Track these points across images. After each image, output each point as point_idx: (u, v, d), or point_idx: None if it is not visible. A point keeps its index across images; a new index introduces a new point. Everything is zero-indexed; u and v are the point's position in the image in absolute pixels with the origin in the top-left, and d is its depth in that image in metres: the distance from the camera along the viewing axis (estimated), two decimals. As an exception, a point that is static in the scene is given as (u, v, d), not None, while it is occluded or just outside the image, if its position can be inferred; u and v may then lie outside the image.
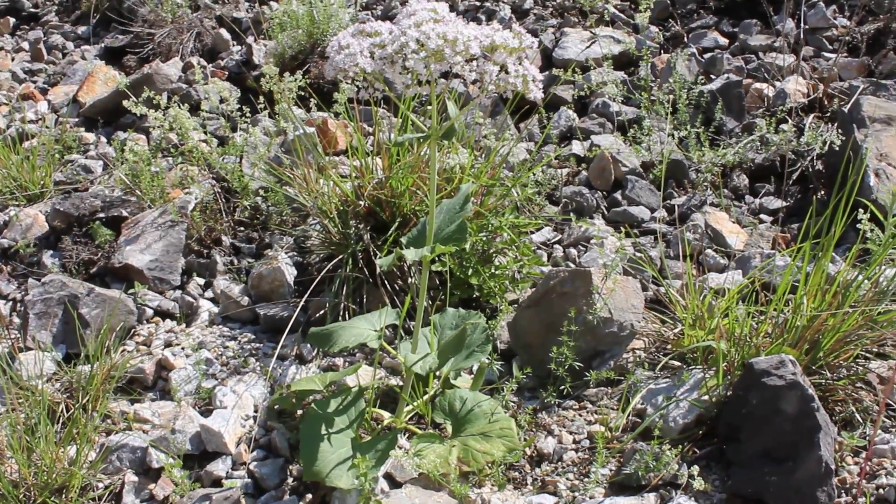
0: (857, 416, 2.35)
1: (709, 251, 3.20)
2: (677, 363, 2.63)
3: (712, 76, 4.37)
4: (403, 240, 2.29)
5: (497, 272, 2.93)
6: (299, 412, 2.53)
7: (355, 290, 2.98)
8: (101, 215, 3.52)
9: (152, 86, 4.51)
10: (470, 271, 2.87)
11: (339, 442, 2.22)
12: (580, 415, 2.56)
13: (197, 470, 2.40)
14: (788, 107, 3.90)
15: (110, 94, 4.60)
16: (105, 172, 4.15)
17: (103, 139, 4.59)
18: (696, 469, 2.18)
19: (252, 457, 2.43)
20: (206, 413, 2.62)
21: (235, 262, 3.43)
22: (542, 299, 2.68)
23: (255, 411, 2.62)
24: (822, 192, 3.54)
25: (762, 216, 3.55)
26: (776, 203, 3.58)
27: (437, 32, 1.82)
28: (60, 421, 2.59)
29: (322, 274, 2.93)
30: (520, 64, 1.92)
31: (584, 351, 2.60)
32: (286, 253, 3.28)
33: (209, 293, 3.28)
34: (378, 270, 2.93)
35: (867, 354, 2.51)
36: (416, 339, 2.33)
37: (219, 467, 2.37)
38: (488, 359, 2.54)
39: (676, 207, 3.54)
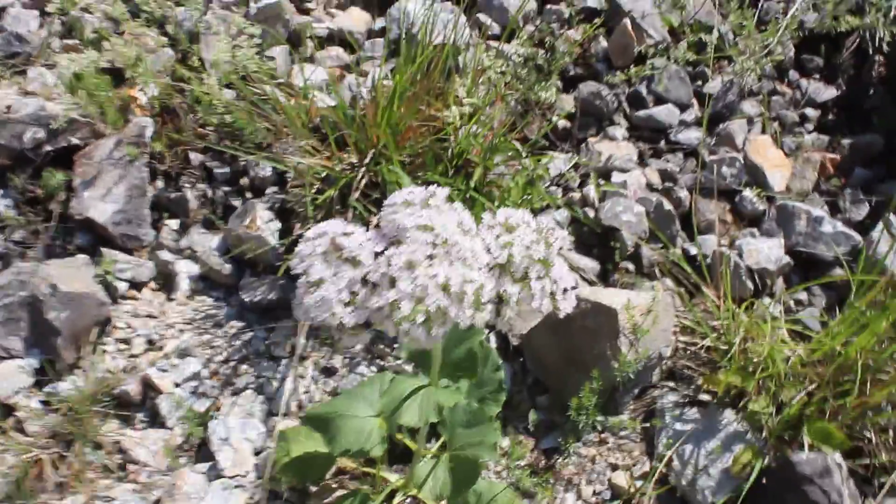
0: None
1: (746, 194, 2.80)
2: (707, 397, 2.41)
3: None
4: (402, 353, 1.98)
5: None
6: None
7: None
8: (49, 148, 3.04)
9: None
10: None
11: (348, 559, 2.10)
12: (602, 454, 2.41)
13: (202, 557, 2.32)
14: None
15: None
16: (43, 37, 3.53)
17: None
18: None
19: (259, 539, 2.32)
20: (203, 457, 2.48)
21: (209, 192, 3.04)
22: (560, 326, 2.39)
23: (257, 453, 2.47)
24: (882, 78, 3.03)
25: (807, 111, 3.07)
26: (826, 93, 3.08)
27: (437, 282, 1.38)
28: (51, 472, 2.46)
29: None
30: (546, 275, 1.49)
31: (608, 380, 2.37)
32: (264, 202, 2.88)
33: (185, 241, 2.94)
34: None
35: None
36: (421, 444, 2.11)
37: (224, 559, 2.28)
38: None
39: (709, 101, 3.04)
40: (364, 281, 1.45)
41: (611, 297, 2.36)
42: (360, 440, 2.11)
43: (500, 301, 1.50)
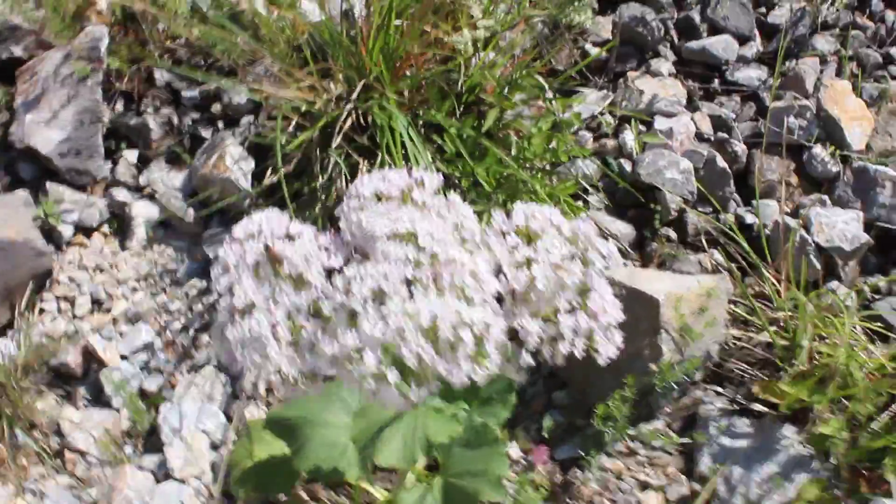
0: None
1: (817, 151, 2.30)
2: (762, 407, 1.97)
3: None
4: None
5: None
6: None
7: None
8: (-13, 59, 2.57)
9: None
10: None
11: None
12: (630, 469, 1.98)
13: (143, 575, 1.93)
14: None
15: None
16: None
17: None
18: None
19: (211, 555, 1.93)
20: (153, 446, 2.08)
21: (175, 119, 2.57)
22: (586, 312, 1.94)
23: (215, 447, 2.06)
24: None
25: (893, 50, 2.55)
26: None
27: (419, 323, 0.93)
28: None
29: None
30: (583, 306, 1.03)
31: (643, 384, 1.94)
32: (236, 137, 2.41)
33: (144, 178, 2.49)
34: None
35: None
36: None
37: (169, 581, 1.89)
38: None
39: (781, 34, 2.52)
40: (315, 308, 1.00)
41: (651, 282, 1.90)
42: (334, 456, 1.69)
43: (513, 338, 1.04)
